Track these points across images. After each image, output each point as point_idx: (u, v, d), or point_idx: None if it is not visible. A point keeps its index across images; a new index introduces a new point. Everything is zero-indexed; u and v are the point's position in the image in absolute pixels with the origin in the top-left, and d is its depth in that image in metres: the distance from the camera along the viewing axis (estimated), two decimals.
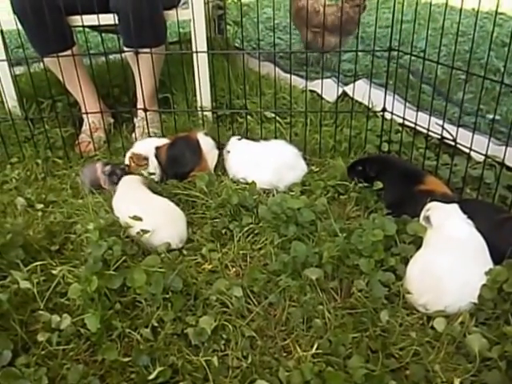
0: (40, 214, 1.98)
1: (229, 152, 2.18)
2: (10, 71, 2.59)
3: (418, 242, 1.62)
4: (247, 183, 2.05)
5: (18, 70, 2.95)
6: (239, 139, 2.20)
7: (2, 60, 2.49)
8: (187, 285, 1.55)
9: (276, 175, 2.04)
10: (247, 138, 2.23)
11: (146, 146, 2.20)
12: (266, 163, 2.06)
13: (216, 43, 3.00)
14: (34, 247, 1.74)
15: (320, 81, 2.42)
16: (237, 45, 3.40)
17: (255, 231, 1.80)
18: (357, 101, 2.42)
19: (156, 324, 1.42)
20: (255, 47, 3.65)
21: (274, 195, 1.97)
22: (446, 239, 1.53)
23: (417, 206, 1.68)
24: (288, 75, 2.58)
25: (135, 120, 2.55)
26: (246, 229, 1.80)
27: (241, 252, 1.71)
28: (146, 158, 2.16)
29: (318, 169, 2.16)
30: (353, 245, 1.60)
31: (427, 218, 1.60)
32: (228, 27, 3.40)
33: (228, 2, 3.28)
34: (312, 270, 1.51)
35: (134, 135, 2.51)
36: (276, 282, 1.54)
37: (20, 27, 2.35)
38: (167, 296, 1.48)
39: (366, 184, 1.97)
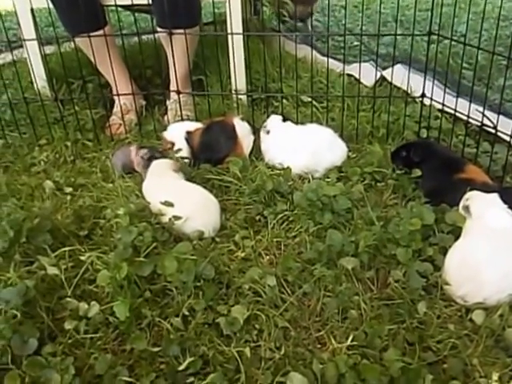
0: (69, 197, 1.98)
1: (268, 132, 2.15)
2: (40, 51, 2.60)
3: (456, 232, 1.59)
4: (282, 168, 2.03)
5: (48, 49, 2.98)
6: (283, 120, 2.17)
7: (32, 39, 2.49)
8: (219, 273, 1.54)
9: (313, 158, 2.02)
10: (288, 120, 2.20)
11: (176, 130, 2.19)
12: (302, 147, 2.04)
13: (251, 25, 2.97)
14: (62, 232, 1.74)
15: (357, 65, 2.38)
16: (273, 26, 3.38)
17: (290, 218, 1.78)
18: (395, 86, 2.37)
19: (187, 313, 1.42)
20: (291, 29, 3.61)
21: (309, 181, 1.95)
22: (485, 229, 1.50)
23: (456, 194, 1.65)
24: (325, 58, 2.54)
25: (168, 102, 2.55)
26: (280, 216, 1.78)
27: (275, 240, 1.70)
28: (172, 143, 2.15)
29: (354, 155, 2.12)
30: (390, 234, 1.57)
31: (467, 208, 1.58)
32: (264, 8, 3.37)
33: None
34: (348, 259, 1.49)
35: (166, 118, 2.50)
36: (311, 272, 1.52)
37: (51, 6, 2.35)
38: (199, 284, 1.47)
39: (404, 171, 1.94)
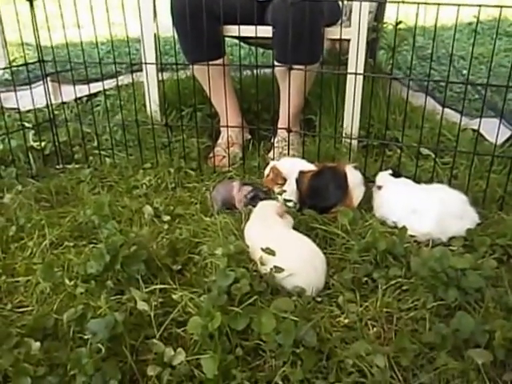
0: (166, 226, 1.87)
1: (380, 188, 1.92)
2: (158, 75, 2.57)
3: None
4: (396, 227, 1.79)
5: (164, 75, 2.94)
6: (396, 175, 1.94)
7: (152, 63, 2.46)
8: (320, 340, 1.30)
9: (439, 226, 1.74)
10: (403, 176, 1.96)
11: (291, 166, 2.02)
12: (427, 210, 1.77)
13: (367, 67, 2.78)
14: (155, 263, 1.61)
15: (482, 119, 2.11)
16: (389, 71, 3.17)
17: (404, 287, 1.51)
18: None
19: (280, 382, 1.21)
20: (407, 74, 3.40)
21: (429, 246, 1.69)
22: None
23: None
24: (446, 110, 2.30)
25: (275, 139, 2.40)
26: (392, 282, 1.52)
27: (384, 309, 1.44)
28: (285, 179, 1.99)
29: (480, 221, 1.81)
30: None
31: None
32: (381, 52, 3.18)
33: (385, 25, 3.05)
34: (479, 351, 1.21)
35: (270, 155, 2.35)
36: (429, 359, 1.26)
37: (173, 34, 2.33)
38: (297, 350, 1.25)
39: None
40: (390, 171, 1.97)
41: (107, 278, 1.54)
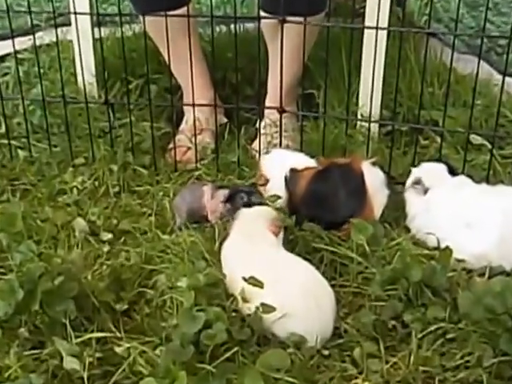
0: (106, 248, 1.91)
1: (426, 191, 1.91)
2: (93, 33, 2.57)
3: None
4: (437, 248, 1.79)
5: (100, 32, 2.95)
6: (453, 172, 1.94)
7: (84, 13, 2.42)
8: None
9: (502, 245, 1.74)
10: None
11: (277, 161, 2.06)
12: (485, 223, 1.77)
13: (392, 20, 2.80)
14: (90, 301, 1.63)
15: None
16: (422, 25, 3.21)
17: (449, 335, 1.51)
18: None
19: None
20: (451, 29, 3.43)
21: (486, 276, 1.70)
22: None
23: None
24: (508, 79, 2.31)
25: (261, 124, 2.42)
26: (432, 327, 1.52)
27: (421, 368, 1.43)
28: (267, 180, 2.05)
29: None
30: None
31: None
32: None
33: None
34: None
35: (255, 145, 2.36)
36: None
37: None
38: None
39: None
40: (444, 166, 1.96)
41: (20, 323, 1.55)
